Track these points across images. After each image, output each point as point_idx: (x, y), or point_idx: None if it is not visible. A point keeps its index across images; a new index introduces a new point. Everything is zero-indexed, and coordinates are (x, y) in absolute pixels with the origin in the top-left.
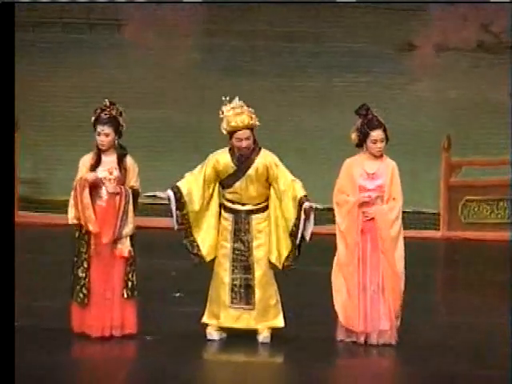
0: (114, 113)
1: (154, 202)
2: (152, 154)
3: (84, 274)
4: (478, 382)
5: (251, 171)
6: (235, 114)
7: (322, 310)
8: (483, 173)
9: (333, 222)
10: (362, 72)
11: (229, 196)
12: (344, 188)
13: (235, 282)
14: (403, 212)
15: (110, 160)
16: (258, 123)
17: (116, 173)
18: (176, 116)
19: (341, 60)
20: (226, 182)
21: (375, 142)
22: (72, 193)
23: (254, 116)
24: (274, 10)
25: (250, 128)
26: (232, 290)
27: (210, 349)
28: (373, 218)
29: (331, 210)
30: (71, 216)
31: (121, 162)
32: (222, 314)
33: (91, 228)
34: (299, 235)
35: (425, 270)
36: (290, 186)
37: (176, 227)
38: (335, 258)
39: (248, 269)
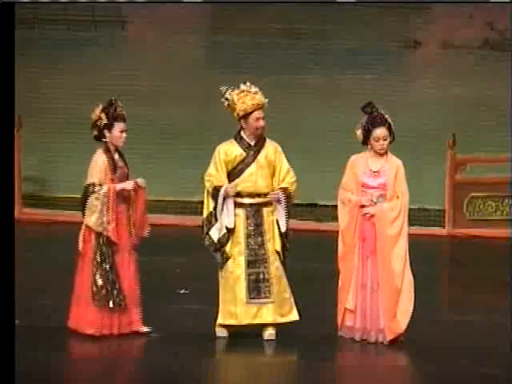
0: (122, 110)
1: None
2: (156, 151)
3: (115, 278)
4: (482, 381)
5: (260, 156)
6: (253, 93)
7: (324, 307)
8: (488, 170)
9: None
10: (366, 69)
11: (238, 188)
12: (348, 185)
13: (252, 277)
14: (409, 209)
15: (116, 158)
16: None
17: (125, 169)
18: (180, 113)
19: (345, 57)
20: (235, 171)
21: (378, 139)
22: (98, 199)
23: (263, 100)
24: (279, 7)
25: (262, 108)
26: (249, 286)
27: (215, 346)
28: (372, 216)
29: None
30: (98, 222)
31: (122, 157)
32: (239, 312)
33: (111, 235)
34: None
35: (430, 268)
36: (284, 176)
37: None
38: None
39: (263, 262)
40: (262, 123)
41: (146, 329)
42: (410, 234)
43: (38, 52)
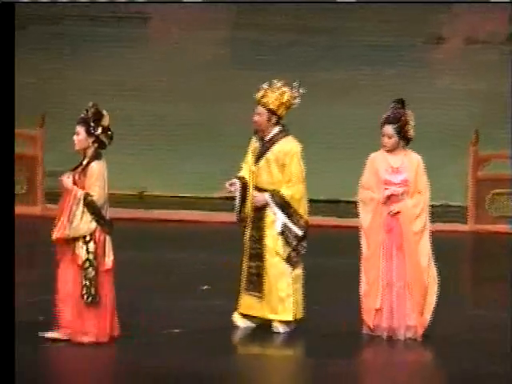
0: (89, 114)
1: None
2: (177, 148)
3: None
4: (504, 378)
5: (269, 153)
6: (265, 88)
7: (349, 305)
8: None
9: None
10: (389, 65)
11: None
12: (368, 183)
13: (250, 270)
14: (431, 206)
15: (84, 163)
16: (278, 110)
17: (77, 177)
18: (201, 110)
19: (368, 53)
20: (255, 163)
21: (383, 136)
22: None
23: (276, 101)
24: (299, 3)
25: (264, 106)
26: (247, 277)
27: (230, 340)
28: (397, 213)
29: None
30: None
31: (86, 166)
32: (241, 301)
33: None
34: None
35: (452, 264)
36: (288, 179)
37: (237, 217)
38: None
39: (260, 257)
40: (254, 118)
41: None
42: (432, 231)
43: (60, 48)
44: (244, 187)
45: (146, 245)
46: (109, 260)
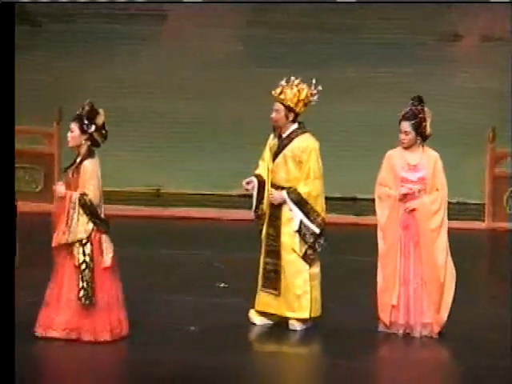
0: (83, 111)
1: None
2: (193, 145)
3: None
4: None
5: (287, 150)
6: (282, 85)
7: (365, 302)
8: None
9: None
10: (404, 63)
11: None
12: (385, 180)
13: (267, 267)
14: (448, 203)
15: (77, 161)
16: (296, 107)
17: (71, 175)
18: (217, 107)
19: (383, 51)
20: (273, 160)
21: (400, 132)
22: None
23: (294, 98)
24: (305, 3)
25: (282, 103)
26: (264, 274)
27: (247, 338)
28: (413, 210)
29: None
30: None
31: (79, 165)
32: (257, 298)
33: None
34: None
35: (469, 262)
36: (306, 176)
37: (253, 214)
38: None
39: (277, 254)
40: (272, 114)
41: None
42: (449, 228)
43: (76, 46)
44: (261, 185)
45: (162, 242)
46: (107, 258)
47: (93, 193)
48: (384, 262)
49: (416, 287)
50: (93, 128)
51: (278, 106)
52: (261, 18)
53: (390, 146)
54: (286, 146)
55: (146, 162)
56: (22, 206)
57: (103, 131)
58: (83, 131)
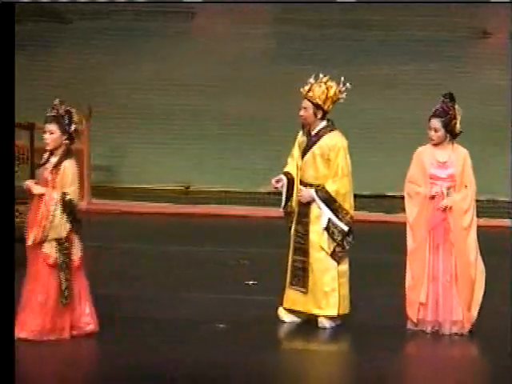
0: (60, 111)
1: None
2: (223, 142)
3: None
4: None
5: (316, 147)
6: (311, 83)
7: (394, 300)
8: None
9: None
10: (433, 59)
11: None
12: (415, 178)
13: (295, 264)
14: (477, 201)
15: (53, 161)
16: (324, 105)
17: (48, 175)
18: (246, 105)
19: (411, 48)
20: (301, 158)
21: (429, 129)
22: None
23: (322, 95)
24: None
25: (310, 100)
26: (292, 272)
27: (275, 335)
28: (445, 208)
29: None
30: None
31: (58, 164)
32: (285, 295)
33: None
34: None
35: (498, 259)
36: (334, 173)
37: (283, 211)
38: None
39: (305, 252)
40: (300, 112)
41: None
42: (478, 226)
43: (107, 43)
44: (290, 182)
45: (191, 239)
46: (77, 257)
47: (74, 193)
48: (413, 259)
49: (445, 284)
50: (73, 127)
51: (307, 103)
52: (292, 16)
53: (420, 143)
54: (314, 143)
55: (175, 160)
56: None
57: (77, 130)
58: (64, 131)
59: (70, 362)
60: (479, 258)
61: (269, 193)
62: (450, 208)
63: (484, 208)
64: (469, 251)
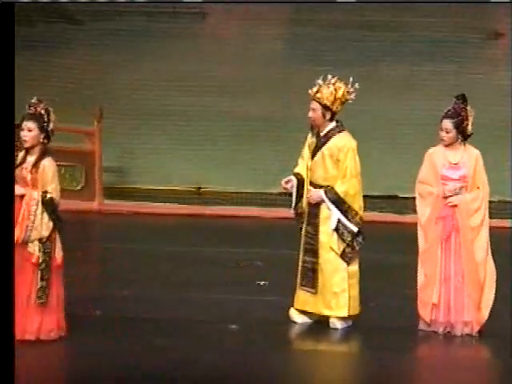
0: (39, 110)
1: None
2: (235, 143)
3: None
4: None
5: (325, 148)
6: (319, 84)
7: (405, 301)
8: None
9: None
10: (446, 60)
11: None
12: (426, 178)
13: (305, 265)
14: (489, 201)
15: (31, 160)
16: (332, 106)
17: (26, 174)
18: (258, 105)
19: (424, 48)
20: (311, 158)
21: (441, 130)
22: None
23: (330, 97)
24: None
25: (319, 102)
26: (302, 272)
27: (286, 336)
28: (455, 206)
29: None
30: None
31: (37, 163)
32: (296, 296)
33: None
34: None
35: (509, 260)
36: (343, 175)
37: (293, 211)
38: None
39: (315, 253)
40: (309, 113)
41: None
42: (490, 227)
43: (118, 44)
44: (300, 183)
45: (202, 240)
46: (59, 257)
47: (55, 192)
48: (425, 259)
49: (457, 285)
50: (51, 126)
51: (315, 104)
52: (306, 17)
53: (432, 144)
54: (323, 144)
55: (187, 160)
56: (63, 204)
57: (53, 129)
58: (42, 130)
59: (69, 362)
60: (490, 259)
61: (281, 193)
62: (455, 206)
63: (495, 209)
64: (477, 252)
